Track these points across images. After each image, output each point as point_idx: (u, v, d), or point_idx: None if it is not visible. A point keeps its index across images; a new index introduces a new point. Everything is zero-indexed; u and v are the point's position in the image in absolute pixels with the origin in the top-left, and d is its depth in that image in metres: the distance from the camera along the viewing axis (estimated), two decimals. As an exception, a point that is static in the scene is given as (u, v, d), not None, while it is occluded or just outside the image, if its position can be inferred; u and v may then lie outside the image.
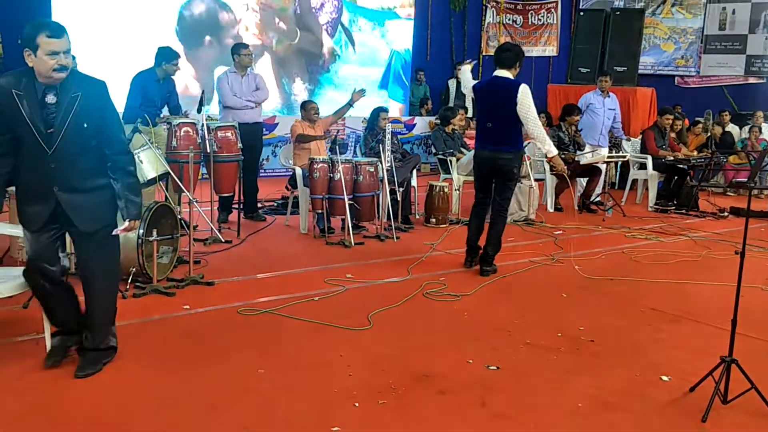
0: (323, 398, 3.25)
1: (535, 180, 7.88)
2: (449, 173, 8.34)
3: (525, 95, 5.36)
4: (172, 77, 6.76)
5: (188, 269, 4.97)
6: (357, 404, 3.19)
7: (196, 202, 4.89)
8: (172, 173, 4.98)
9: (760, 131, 11.13)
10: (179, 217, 5.02)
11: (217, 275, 5.09)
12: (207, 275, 5.03)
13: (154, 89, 6.56)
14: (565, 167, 6.44)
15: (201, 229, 6.28)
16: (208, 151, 5.95)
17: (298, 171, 6.91)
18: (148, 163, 4.90)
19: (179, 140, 5.93)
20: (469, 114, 11.66)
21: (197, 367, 3.56)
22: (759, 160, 3.67)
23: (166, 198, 5.43)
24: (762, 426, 3.17)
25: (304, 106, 7.37)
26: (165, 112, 6.76)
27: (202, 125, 5.97)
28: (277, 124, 10.46)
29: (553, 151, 5.65)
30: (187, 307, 4.45)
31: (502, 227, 5.65)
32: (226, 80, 7.11)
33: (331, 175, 6.39)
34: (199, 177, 6.35)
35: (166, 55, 6.57)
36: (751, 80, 13.80)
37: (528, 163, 7.93)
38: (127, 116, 6.41)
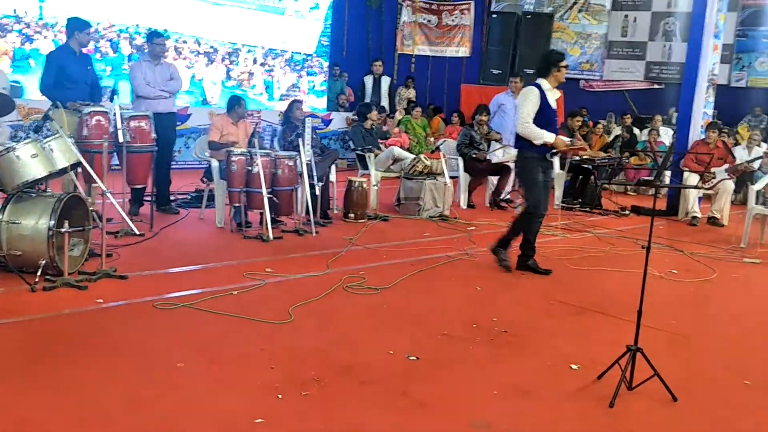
0: (246, 391, 3.24)
1: (450, 177, 8.05)
2: (367, 169, 8.41)
3: (521, 96, 5.69)
4: (89, 55, 6.49)
5: (100, 262, 4.82)
6: (280, 396, 3.20)
7: (110, 193, 4.75)
8: (85, 163, 4.82)
9: (658, 134, 11.78)
10: (91, 208, 4.85)
11: (130, 269, 4.96)
12: (120, 268, 4.90)
13: (72, 64, 6.26)
14: (576, 144, 6.74)
15: (113, 222, 6.09)
16: (121, 140, 5.78)
17: (215, 163, 6.81)
18: (60, 152, 4.73)
19: (90, 129, 5.75)
20: (387, 111, 11.78)
21: (114, 360, 3.47)
22: (665, 160, 3.91)
23: (76, 187, 5.24)
24: (664, 410, 3.39)
25: (237, 102, 7.19)
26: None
27: (115, 114, 5.79)
28: (190, 114, 10.25)
29: (548, 139, 5.57)
30: (101, 300, 4.32)
31: (519, 224, 5.83)
32: (140, 69, 6.92)
33: (249, 168, 6.32)
34: (109, 167, 6.16)
35: (77, 25, 6.29)
36: (651, 85, 14.56)
37: (443, 160, 8.11)
38: (45, 94, 6.18)
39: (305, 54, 13.07)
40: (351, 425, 3.00)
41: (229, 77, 11.92)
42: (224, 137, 6.95)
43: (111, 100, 5.73)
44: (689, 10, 11.37)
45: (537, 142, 5.57)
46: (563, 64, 5.61)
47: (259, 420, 2.96)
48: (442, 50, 15.47)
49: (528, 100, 5.55)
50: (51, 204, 4.50)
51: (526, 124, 5.52)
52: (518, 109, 5.59)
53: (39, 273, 4.45)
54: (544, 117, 5.55)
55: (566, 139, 5.84)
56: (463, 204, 8.83)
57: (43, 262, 4.45)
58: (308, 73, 13.20)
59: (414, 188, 8.09)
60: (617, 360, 3.58)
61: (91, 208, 4.85)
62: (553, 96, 5.64)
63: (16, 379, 3.19)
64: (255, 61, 12.29)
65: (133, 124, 6.01)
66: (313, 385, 3.34)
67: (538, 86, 5.57)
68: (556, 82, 5.61)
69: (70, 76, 6.23)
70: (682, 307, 5.16)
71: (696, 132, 9.18)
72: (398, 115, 10.92)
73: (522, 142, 5.68)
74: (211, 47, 11.61)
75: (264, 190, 6.18)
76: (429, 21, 15.54)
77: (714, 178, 8.77)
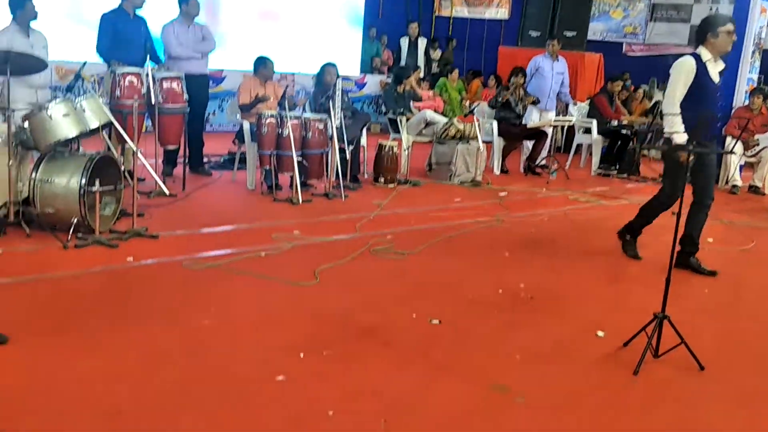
0: (268, 350, 3.28)
1: (483, 142, 7.95)
2: (399, 133, 8.34)
3: (672, 70, 4.80)
4: (142, 17, 6.53)
5: (132, 221, 4.89)
6: (302, 355, 3.23)
7: (141, 153, 4.79)
8: (116, 123, 4.86)
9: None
10: (122, 168, 4.91)
11: (161, 228, 5.02)
12: (151, 228, 4.96)
13: (126, 27, 6.31)
14: (683, 159, 4.52)
15: (145, 182, 6.17)
16: (153, 102, 5.82)
17: (246, 126, 6.82)
18: (91, 112, 4.77)
19: (123, 90, 5.79)
20: (421, 75, 11.63)
21: (141, 317, 3.53)
22: (700, 126, 3.79)
23: (109, 148, 5.30)
24: (688, 378, 3.33)
25: (262, 62, 7.16)
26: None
27: (147, 75, 5.82)
28: (225, 77, 10.26)
29: (677, 140, 4.60)
30: (131, 259, 4.39)
31: (647, 205, 5.29)
32: (173, 30, 6.91)
33: (280, 131, 6.31)
34: (144, 129, 6.22)
35: None
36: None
37: (477, 124, 8.00)
38: (101, 55, 6.26)
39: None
40: (369, 385, 3.01)
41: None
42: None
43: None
44: (738, -29, 10.92)
45: (667, 129, 4.73)
46: (723, 28, 4.65)
47: (280, 377, 2.99)
48: (480, 12, 15.16)
49: (679, 75, 4.70)
50: (83, 163, 4.57)
51: (671, 105, 4.69)
52: (669, 85, 4.79)
53: (71, 231, 4.53)
54: (703, 93, 4.68)
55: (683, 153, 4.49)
56: (497, 169, 8.73)
57: (75, 220, 4.53)
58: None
59: (446, 153, 8.00)
60: (644, 327, 3.52)
61: (122, 168, 4.90)
62: (716, 68, 4.77)
63: (47, 335, 3.27)
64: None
65: (165, 85, 6.03)
66: (334, 346, 3.36)
67: (697, 56, 4.71)
68: (717, 52, 4.72)
69: (124, 37, 6.28)
70: (716, 277, 5.04)
71: (740, 98, 8.88)
72: (414, 76, 10.55)
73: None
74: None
75: (294, 153, 6.17)
76: (468, -18, 15.23)
77: (757, 145, 8.51)
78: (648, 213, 5.26)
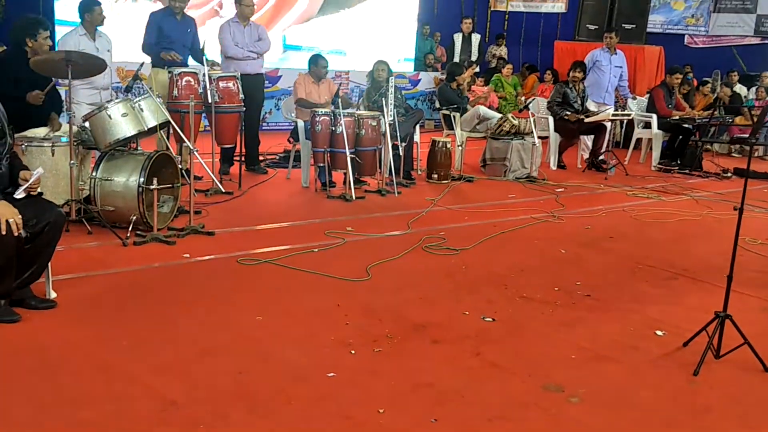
0: (320, 345, 3.30)
1: (539, 137, 7.82)
2: (452, 129, 8.29)
3: None
4: (193, 18, 6.67)
5: (189, 219, 4.99)
6: (353, 351, 3.24)
7: (197, 152, 4.88)
8: (173, 122, 4.96)
9: (767, 92, 11.01)
10: (180, 166, 5.01)
11: (217, 225, 5.11)
12: (207, 225, 5.05)
13: (171, 26, 6.45)
14: None
15: (202, 180, 6.29)
16: (210, 101, 5.92)
17: (300, 124, 6.88)
18: (149, 112, 4.88)
19: (180, 90, 5.92)
20: (476, 70, 11.52)
21: (196, 312, 3.60)
22: (761, 117, 3.64)
23: (167, 147, 5.42)
24: (751, 380, 3.21)
25: (314, 61, 7.23)
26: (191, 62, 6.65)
27: (204, 75, 5.94)
28: (281, 76, 10.37)
29: None
30: (187, 255, 4.48)
31: None
32: (229, 30, 7.02)
33: (333, 128, 6.34)
34: (201, 129, 6.34)
35: None
36: (761, 40, 13.58)
37: (532, 120, 7.88)
38: (147, 54, 6.42)
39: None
40: (421, 382, 3.00)
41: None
42: (307, 97, 7.00)
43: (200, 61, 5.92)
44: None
45: None
46: None
47: (331, 374, 3.01)
48: (537, 6, 14.92)
49: None
50: (141, 162, 4.68)
51: None
52: None
53: (130, 228, 4.65)
54: None
55: None
56: (553, 165, 8.59)
57: (134, 217, 4.65)
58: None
59: (500, 148, 7.91)
60: (705, 327, 3.41)
61: (180, 166, 5.00)
62: None
63: (105, 326, 3.37)
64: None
65: (221, 84, 6.13)
66: (385, 342, 3.36)
67: None
68: None
69: (169, 37, 6.42)
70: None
71: (810, 89, 8.51)
72: (468, 72, 10.41)
73: None
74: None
75: (347, 151, 6.20)
76: (523, -24, 15.01)
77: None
78: None
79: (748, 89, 11.77)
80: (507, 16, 14.81)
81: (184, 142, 5.11)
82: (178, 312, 3.60)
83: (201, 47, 6.46)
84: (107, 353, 3.09)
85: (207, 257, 4.50)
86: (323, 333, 3.43)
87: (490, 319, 3.73)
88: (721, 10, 13.85)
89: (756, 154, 10.44)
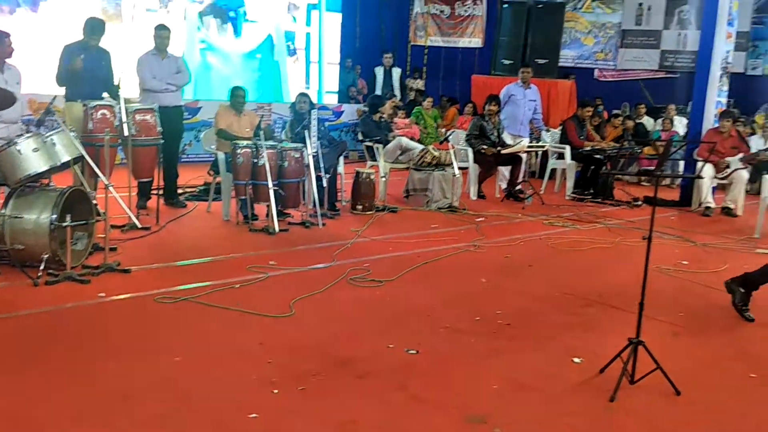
0: (242, 386, 3.23)
1: (459, 168, 7.99)
2: (376, 160, 8.37)
3: None
4: (108, 51, 6.51)
5: (104, 256, 4.83)
6: (276, 391, 3.18)
7: (112, 187, 4.75)
8: (87, 157, 4.82)
9: (672, 123, 11.62)
10: (94, 202, 4.86)
11: (134, 263, 4.96)
12: (124, 262, 4.90)
13: (85, 58, 6.25)
14: None
15: (118, 215, 6.10)
16: (126, 134, 5.78)
17: (221, 156, 6.80)
18: (62, 146, 4.74)
19: (95, 123, 5.76)
20: (398, 103, 11.71)
21: (113, 355, 3.47)
22: (665, 151, 3.84)
23: (82, 183, 5.24)
24: (666, 404, 3.33)
25: (232, 92, 7.19)
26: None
27: (120, 108, 5.80)
28: (201, 107, 10.25)
29: None
30: (103, 294, 4.33)
31: None
32: (146, 63, 6.91)
33: (255, 160, 6.30)
34: (117, 161, 6.17)
35: (94, 28, 6.33)
36: (666, 75, 14.36)
37: (452, 151, 8.05)
38: (60, 86, 6.22)
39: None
40: (345, 420, 2.98)
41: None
42: (228, 128, 6.94)
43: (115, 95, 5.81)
44: (704, -3, 11.16)
45: None
46: None
47: (253, 415, 2.95)
48: (455, 41, 15.34)
49: None
50: (53, 198, 4.52)
51: None
52: None
53: (42, 267, 4.46)
54: None
55: None
56: (473, 195, 8.77)
57: (46, 256, 4.46)
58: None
59: (422, 179, 8.04)
60: (619, 353, 3.53)
61: (94, 202, 4.85)
62: None
63: (14, 373, 3.20)
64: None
65: (138, 117, 6.01)
66: (310, 380, 3.32)
67: None
68: None
69: (82, 69, 6.24)
70: (690, 299, 5.08)
71: (709, 121, 9.02)
72: (389, 104, 10.60)
73: None
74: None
75: (270, 183, 6.15)
76: (441, 11, 15.41)
77: (728, 167, 8.63)
78: None
79: (655, 121, 12.39)
80: (426, 50, 15.16)
81: (99, 177, 4.96)
82: (94, 355, 3.46)
83: (117, 83, 6.32)
84: (19, 404, 2.94)
85: (123, 296, 4.36)
86: (245, 372, 3.37)
87: (414, 352, 3.75)
88: (627, 45, 14.59)
89: (663, 183, 10.96)
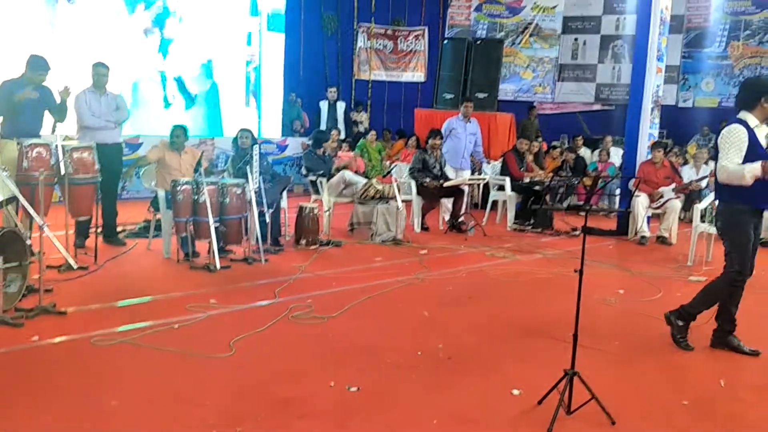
0: (178, 430, 3.18)
1: (403, 201, 8.08)
2: (320, 194, 8.40)
3: (722, 139, 4.42)
4: (50, 88, 6.39)
5: (39, 298, 4.71)
6: (213, 433, 3.15)
7: (47, 227, 4.64)
8: (21, 197, 4.70)
9: (608, 155, 11.99)
10: (28, 242, 4.74)
11: (70, 304, 4.85)
12: (59, 303, 4.78)
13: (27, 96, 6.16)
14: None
15: (55, 256, 5.95)
16: (63, 172, 5.68)
17: (161, 193, 6.72)
18: (-7, 187, 4.62)
19: (30, 161, 5.65)
20: (342, 136, 11.80)
21: (47, 401, 3.38)
22: (592, 186, 3.97)
23: (13, 223, 5.12)
24: (600, 433, 3.41)
25: (171, 132, 7.03)
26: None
27: (56, 146, 5.70)
28: (141, 143, 10.14)
29: (755, 171, 4.25)
30: (36, 338, 4.22)
31: (714, 286, 4.75)
32: (84, 99, 6.82)
33: (196, 197, 6.25)
34: (55, 200, 6.05)
35: (37, 65, 6.23)
36: (602, 107, 14.87)
37: (395, 184, 8.14)
38: None
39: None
40: (285, 461, 2.96)
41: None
42: (167, 166, 6.88)
43: (52, 131, 5.69)
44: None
45: (746, 182, 4.28)
46: None
47: (191, 459, 2.90)
48: (398, 75, 15.63)
49: (731, 144, 4.34)
50: (-16, 240, 4.39)
51: (725, 168, 4.36)
52: (719, 155, 4.41)
53: (-29, 311, 4.33)
54: (755, 159, 4.30)
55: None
56: (417, 227, 8.86)
57: (-24, 299, 4.33)
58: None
59: (366, 213, 8.10)
60: (556, 384, 3.60)
61: (27, 242, 4.73)
62: (762, 132, 4.46)
63: (-63, 425, 3.09)
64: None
65: (75, 155, 5.91)
66: (249, 421, 3.29)
67: (743, 122, 4.41)
68: (765, 117, 4.45)
69: (21, 105, 6.11)
70: (626, 328, 5.21)
71: (643, 152, 9.35)
72: (333, 136, 10.71)
73: (727, 193, 4.50)
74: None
75: (211, 219, 6.10)
76: (384, 46, 15.70)
77: (662, 197, 8.94)
78: (717, 295, 4.69)
79: (592, 152, 12.76)
80: (370, 84, 15.38)
81: (33, 217, 4.85)
82: (27, 402, 3.36)
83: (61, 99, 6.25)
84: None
85: (58, 339, 4.25)
86: (184, 416, 3.32)
87: (356, 389, 3.75)
88: (564, 79, 15.09)
89: (601, 213, 11.27)
